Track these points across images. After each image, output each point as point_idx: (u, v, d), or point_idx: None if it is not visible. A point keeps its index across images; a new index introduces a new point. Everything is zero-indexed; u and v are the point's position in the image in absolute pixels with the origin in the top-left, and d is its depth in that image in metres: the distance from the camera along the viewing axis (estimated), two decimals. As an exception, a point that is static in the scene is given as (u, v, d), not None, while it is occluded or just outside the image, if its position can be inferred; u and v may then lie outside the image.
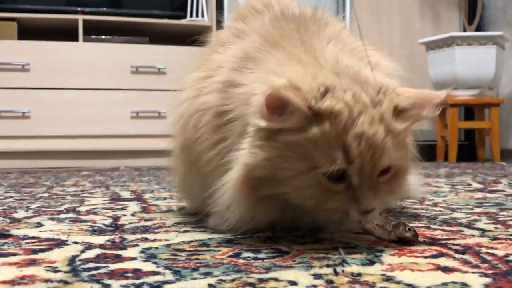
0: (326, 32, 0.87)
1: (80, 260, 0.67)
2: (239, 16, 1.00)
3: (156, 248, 0.74)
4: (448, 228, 0.89)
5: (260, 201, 0.76)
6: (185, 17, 3.60)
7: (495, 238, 0.80)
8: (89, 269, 0.62)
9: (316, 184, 0.71)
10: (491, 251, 0.70)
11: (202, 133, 0.85)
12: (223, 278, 0.58)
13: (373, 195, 0.72)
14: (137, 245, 0.76)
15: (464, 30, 3.92)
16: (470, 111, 3.97)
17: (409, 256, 0.68)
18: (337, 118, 0.69)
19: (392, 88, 0.75)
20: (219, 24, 3.65)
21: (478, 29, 3.89)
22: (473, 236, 0.82)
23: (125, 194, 1.54)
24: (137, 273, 0.60)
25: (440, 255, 0.69)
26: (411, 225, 0.77)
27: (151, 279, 0.58)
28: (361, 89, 0.72)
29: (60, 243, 0.78)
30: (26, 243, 0.78)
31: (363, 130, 0.69)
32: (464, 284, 0.55)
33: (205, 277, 0.58)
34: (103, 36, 3.43)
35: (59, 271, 0.61)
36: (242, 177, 0.74)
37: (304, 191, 0.72)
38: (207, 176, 0.85)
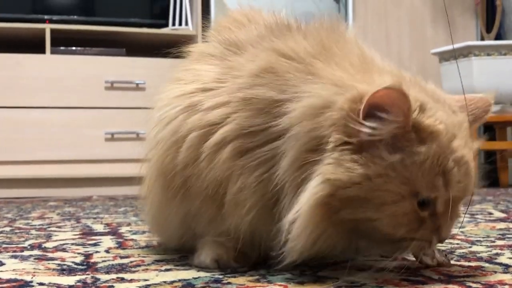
0: (356, 41, 0.87)
1: (46, 304, 0.66)
2: (221, 27, 0.99)
3: (134, 289, 0.74)
4: (466, 264, 0.89)
5: (331, 226, 0.76)
6: (166, 25, 3.61)
7: (520, 275, 0.80)
8: (57, 315, 0.61)
9: (412, 211, 0.73)
10: (515, 289, 0.71)
11: (210, 154, 0.83)
12: (211, 323, 0.58)
13: (451, 223, 0.77)
14: (112, 286, 0.76)
15: (482, 39, 3.95)
16: (490, 129, 3.99)
17: (423, 296, 0.68)
18: (437, 139, 0.72)
19: (458, 104, 0.80)
20: (206, 33, 3.68)
21: (497, 37, 3.92)
22: (495, 272, 0.82)
23: (98, 227, 1.54)
24: (112, 318, 0.60)
25: (458, 294, 0.69)
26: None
27: (128, 325, 0.58)
28: (443, 107, 0.76)
29: (24, 285, 0.77)
30: (-15, 285, 0.78)
31: (462, 155, 0.73)
32: (485, 328, 0.55)
33: (189, 323, 0.58)
34: (74, 48, 3.44)
35: (22, 317, 0.61)
36: (324, 195, 0.72)
37: (401, 218, 0.74)
38: (215, 208, 0.84)
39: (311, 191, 0.73)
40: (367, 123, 0.71)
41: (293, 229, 0.74)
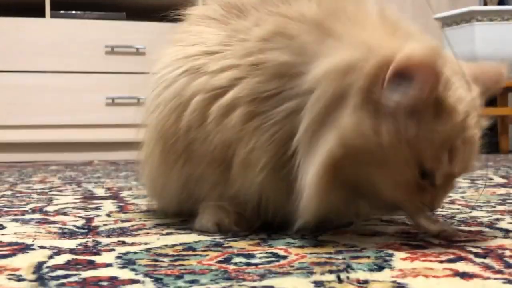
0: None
1: (47, 267, 0.66)
2: None
3: (135, 253, 0.74)
4: (467, 229, 0.89)
5: (337, 186, 0.76)
6: (167, -11, 3.58)
7: (520, 240, 0.80)
8: (58, 277, 0.61)
9: (413, 179, 0.74)
10: (516, 254, 0.71)
11: (217, 118, 0.82)
12: (211, 286, 0.58)
13: (444, 196, 0.79)
14: (113, 250, 0.76)
15: (485, 4, 3.92)
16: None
17: (423, 260, 0.68)
18: (455, 117, 0.72)
19: (472, 74, 0.79)
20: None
21: (500, 2, 3.89)
22: (496, 237, 0.82)
23: (100, 191, 1.54)
24: (113, 281, 0.60)
25: (458, 259, 0.69)
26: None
27: (129, 288, 0.58)
28: (461, 81, 0.75)
29: (25, 248, 0.77)
30: (-14, 248, 0.78)
31: (472, 134, 0.74)
32: (486, 292, 0.55)
33: (190, 286, 0.58)
34: (73, 12, 3.41)
35: (24, 279, 0.61)
36: (338, 157, 0.72)
37: (402, 183, 0.75)
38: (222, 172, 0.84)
39: (326, 152, 0.72)
40: (391, 94, 0.70)
41: (307, 187, 0.74)
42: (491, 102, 3.21)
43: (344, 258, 0.69)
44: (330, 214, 0.81)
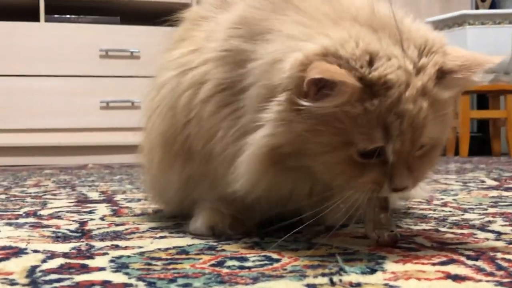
0: None
1: (40, 271, 0.66)
2: None
3: (128, 256, 0.74)
4: (459, 231, 0.89)
5: (282, 172, 0.77)
6: (161, -7, 3.58)
7: (511, 242, 0.80)
8: (51, 281, 0.61)
9: (349, 160, 0.72)
10: (507, 256, 0.71)
11: (201, 111, 0.83)
12: (204, 290, 0.58)
13: (407, 173, 0.74)
14: (106, 254, 0.76)
15: (477, 8, 3.93)
16: (483, 99, 3.99)
17: (415, 263, 0.68)
18: (389, 91, 0.70)
19: (439, 44, 0.75)
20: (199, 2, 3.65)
21: (492, 6, 3.90)
22: (487, 239, 0.82)
23: (94, 195, 1.54)
24: (106, 285, 0.60)
25: (450, 261, 0.69)
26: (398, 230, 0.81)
27: (122, 292, 0.57)
28: (403, 52, 0.72)
29: (18, 252, 0.77)
30: (-21, 252, 0.77)
31: (406, 108, 0.70)
32: (477, 294, 0.55)
33: (183, 289, 0.58)
34: (68, 16, 3.41)
35: (17, 283, 0.61)
36: (264, 154, 0.74)
37: (335, 167, 0.73)
38: (203, 162, 0.85)
39: (253, 147, 0.74)
40: (315, 96, 0.70)
41: (242, 167, 0.76)
42: (483, 105, 3.22)
43: (336, 261, 0.69)
44: (276, 192, 0.80)
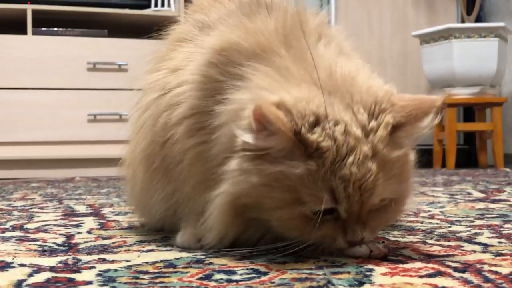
0: (312, 27, 0.88)
1: (27, 285, 0.66)
2: (197, 8, 1.02)
3: (115, 270, 0.73)
4: (446, 243, 0.90)
5: (251, 225, 0.80)
6: (149, 6, 3.58)
7: (498, 254, 0.80)
8: (37, 296, 0.61)
9: (302, 216, 0.75)
10: (494, 268, 0.71)
11: (175, 133, 0.86)
12: (192, 303, 0.57)
13: (361, 228, 0.76)
14: (93, 267, 0.75)
15: (463, 21, 3.96)
16: (470, 111, 4.01)
17: (403, 275, 0.68)
18: (323, 155, 0.73)
19: (388, 100, 0.77)
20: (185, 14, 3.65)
21: (478, 20, 3.93)
22: (474, 252, 0.83)
23: (81, 208, 1.53)
24: (93, 299, 0.60)
25: (438, 273, 0.69)
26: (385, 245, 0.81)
27: (109, 306, 0.57)
28: (353, 116, 0.75)
29: (5, 266, 0.76)
30: (-35, 266, 0.77)
31: (350, 172, 0.73)
32: (465, 307, 0.55)
33: (171, 303, 0.58)
34: (55, 29, 3.40)
35: (2, 298, 0.60)
36: (227, 203, 0.78)
37: (289, 222, 0.76)
38: (179, 182, 0.88)
39: (218, 198, 0.79)
40: (258, 134, 0.74)
41: (209, 224, 0.81)
42: (470, 117, 3.25)
43: (324, 274, 0.69)
44: (246, 239, 0.82)
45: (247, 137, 0.75)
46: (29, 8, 3.28)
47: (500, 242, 0.90)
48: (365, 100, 0.76)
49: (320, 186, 0.73)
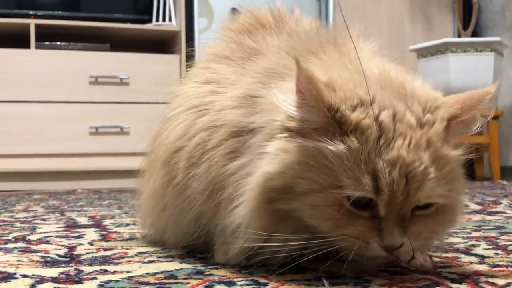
0: (364, 46, 0.87)
1: (29, 296, 0.66)
2: (242, 29, 0.98)
3: (117, 281, 0.73)
4: (443, 255, 0.89)
5: (280, 219, 0.74)
6: (150, 21, 3.59)
7: (495, 266, 0.80)
8: (40, 306, 0.61)
9: (336, 205, 0.69)
10: (491, 280, 0.71)
11: (212, 156, 0.81)
12: (192, 314, 0.57)
13: (400, 231, 0.69)
14: (95, 278, 0.75)
15: (459, 36, 3.97)
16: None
17: (401, 286, 0.68)
18: (364, 135, 0.68)
19: (441, 101, 0.74)
20: (189, 30, 3.67)
21: (474, 34, 3.95)
22: (471, 263, 0.82)
23: (82, 220, 1.53)
24: (95, 310, 0.60)
25: (435, 285, 0.69)
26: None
27: (110, 316, 0.57)
28: (406, 107, 0.71)
29: (7, 277, 0.76)
30: (-32, 277, 0.77)
31: (399, 155, 0.67)
32: (462, 317, 0.55)
33: (171, 314, 0.58)
34: (58, 43, 3.41)
35: (5, 309, 0.60)
36: (260, 187, 0.72)
37: (321, 210, 0.70)
38: (214, 205, 0.81)
39: (250, 184, 0.74)
40: (293, 110, 0.72)
41: (239, 209, 0.75)
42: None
43: (323, 285, 0.68)
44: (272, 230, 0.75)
45: (289, 108, 0.71)
46: (32, 22, 3.30)
47: (496, 254, 0.89)
48: (419, 96, 0.73)
49: (361, 168, 0.67)
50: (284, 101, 0.72)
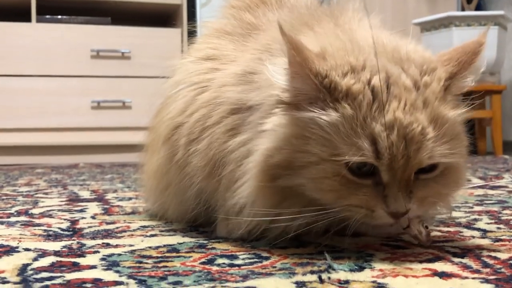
0: (359, 17, 0.86)
1: (32, 269, 0.66)
2: (243, 6, 0.97)
3: (119, 254, 0.74)
4: (445, 229, 0.90)
5: (286, 197, 0.73)
6: (152, -6, 3.57)
7: (497, 240, 0.80)
8: (42, 280, 0.61)
9: (337, 176, 0.68)
10: (493, 254, 0.71)
11: (212, 133, 0.81)
12: (195, 287, 0.57)
13: (405, 196, 0.68)
14: (97, 252, 0.75)
15: (463, 10, 3.95)
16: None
17: (403, 260, 0.68)
18: (356, 100, 0.67)
19: (437, 62, 0.74)
20: (191, 3, 3.64)
21: (477, 8, 3.92)
22: (473, 237, 0.83)
23: (85, 194, 1.53)
24: (97, 283, 0.60)
25: (437, 259, 0.69)
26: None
27: (112, 290, 0.57)
28: (401, 70, 0.71)
29: (10, 250, 0.77)
30: (-29, 250, 0.77)
31: (395, 117, 0.67)
32: (464, 291, 0.55)
33: (174, 287, 0.58)
34: (59, 16, 3.39)
35: (8, 282, 0.60)
36: (261, 165, 0.72)
37: (322, 182, 0.69)
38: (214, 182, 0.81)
39: (251, 163, 0.73)
40: (284, 81, 0.71)
41: (242, 188, 0.75)
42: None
43: (325, 259, 0.69)
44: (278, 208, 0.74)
45: (280, 79, 0.71)
46: (33, -4, 3.28)
47: (498, 228, 0.90)
48: (414, 59, 0.72)
49: (359, 133, 0.66)
50: (275, 73, 0.72)
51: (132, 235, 0.88)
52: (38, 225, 0.99)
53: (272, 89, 0.74)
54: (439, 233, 0.86)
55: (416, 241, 0.74)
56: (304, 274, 0.62)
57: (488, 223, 0.94)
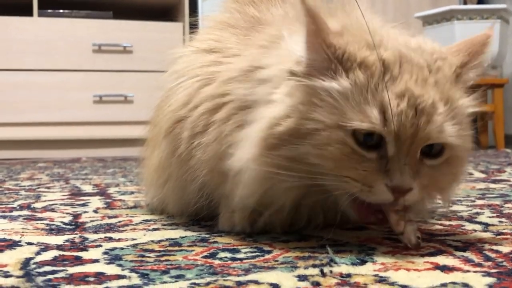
0: (373, 17, 0.85)
1: (34, 263, 0.66)
2: (246, 0, 0.97)
3: (122, 248, 0.74)
4: (447, 223, 0.90)
5: (281, 169, 0.71)
6: (153, -12, 3.56)
7: (499, 233, 0.80)
8: (45, 273, 0.61)
9: (340, 143, 0.67)
10: (495, 247, 0.71)
11: (220, 129, 0.80)
12: (197, 281, 0.58)
13: (411, 172, 0.67)
14: (99, 246, 0.76)
15: (465, 3, 3.94)
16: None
17: (404, 254, 0.68)
18: (369, 69, 0.68)
19: (448, 52, 0.74)
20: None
21: (480, 1, 3.91)
22: (475, 231, 0.83)
23: (87, 188, 1.53)
24: (100, 277, 0.60)
25: (439, 252, 0.69)
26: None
27: (115, 283, 0.57)
28: (414, 54, 0.71)
29: (12, 244, 0.77)
30: (-27, 244, 0.77)
31: (406, 88, 0.66)
32: (465, 285, 0.55)
33: (176, 281, 0.58)
34: (61, 10, 3.39)
35: (11, 275, 0.61)
36: (264, 132, 0.71)
37: (325, 149, 0.68)
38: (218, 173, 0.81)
39: (252, 131, 0.73)
40: (301, 53, 0.71)
41: (239, 152, 0.74)
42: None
43: (327, 252, 0.69)
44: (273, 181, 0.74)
45: (296, 50, 0.71)
46: (34, -10, 3.27)
47: (500, 222, 0.90)
48: (425, 49, 0.73)
49: (368, 101, 0.66)
50: (293, 44, 0.72)
51: (135, 229, 0.88)
52: (41, 219, 0.99)
53: (283, 63, 0.74)
54: (440, 227, 0.86)
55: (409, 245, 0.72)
56: (306, 267, 0.62)
57: (490, 217, 0.94)
